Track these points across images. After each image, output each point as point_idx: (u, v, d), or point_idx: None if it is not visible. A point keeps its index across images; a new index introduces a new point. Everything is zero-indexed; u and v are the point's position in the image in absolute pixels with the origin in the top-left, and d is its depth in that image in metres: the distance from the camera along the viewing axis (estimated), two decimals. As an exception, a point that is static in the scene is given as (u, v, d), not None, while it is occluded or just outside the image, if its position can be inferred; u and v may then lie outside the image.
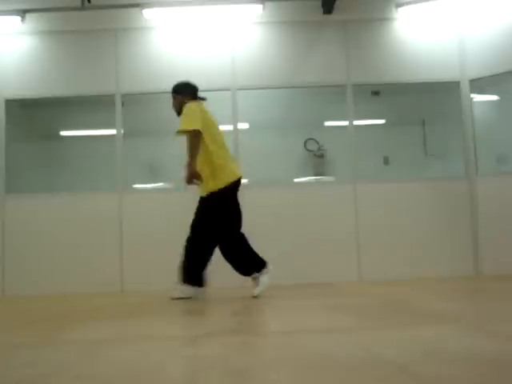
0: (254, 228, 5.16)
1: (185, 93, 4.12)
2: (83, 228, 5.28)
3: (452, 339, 1.96)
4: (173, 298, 4.04)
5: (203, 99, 4.17)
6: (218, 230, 3.98)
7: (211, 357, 1.83)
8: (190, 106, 3.93)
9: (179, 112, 4.07)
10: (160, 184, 5.80)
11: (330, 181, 5.76)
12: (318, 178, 5.84)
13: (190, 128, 3.82)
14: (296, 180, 5.82)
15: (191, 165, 3.83)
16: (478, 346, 1.82)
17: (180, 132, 3.88)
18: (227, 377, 1.53)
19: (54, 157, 6.12)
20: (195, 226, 4.02)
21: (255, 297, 3.92)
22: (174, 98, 4.15)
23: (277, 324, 2.65)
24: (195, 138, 3.83)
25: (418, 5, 5.35)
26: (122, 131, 5.45)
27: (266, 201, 5.26)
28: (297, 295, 4.03)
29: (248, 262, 4.00)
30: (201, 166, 3.90)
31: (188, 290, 4.02)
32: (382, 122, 6.30)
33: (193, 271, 4.02)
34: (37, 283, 5.18)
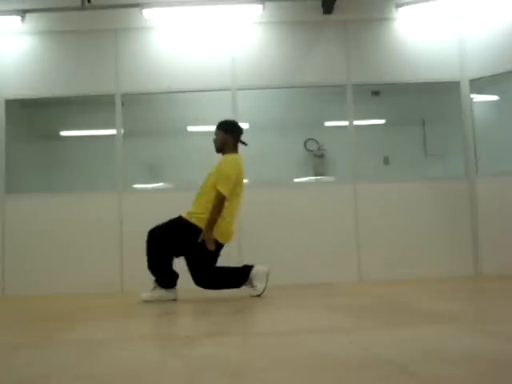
0: (253, 228, 5.17)
1: (230, 132, 4.12)
2: (83, 228, 5.27)
3: (452, 339, 1.96)
4: (145, 300, 3.95)
5: (244, 144, 4.19)
6: (175, 250, 3.96)
7: (210, 357, 1.83)
8: (231, 167, 3.96)
9: (218, 149, 4.12)
10: (160, 184, 5.79)
11: (330, 181, 5.76)
12: (318, 178, 5.84)
13: (226, 193, 3.84)
14: (296, 180, 5.82)
15: (207, 232, 3.82)
16: (477, 346, 1.82)
17: (218, 191, 3.86)
18: (227, 376, 1.52)
19: (54, 157, 6.11)
20: (159, 233, 3.97)
21: (258, 296, 3.93)
22: (218, 133, 4.14)
23: (277, 324, 2.64)
24: (222, 202, 3.85)
25: (418, 5, 5.34)
26: (122, 131, 5.45)
27: (266, 201, 5.26)
28: (297, 295, 4.03)
29: (231, 278, 3.96)
30: (208, 205, 3.89)
31: (158, 292, 3.97)
32: (382, 122, 6.30)
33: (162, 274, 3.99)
34: (37, 283, 5.17)
